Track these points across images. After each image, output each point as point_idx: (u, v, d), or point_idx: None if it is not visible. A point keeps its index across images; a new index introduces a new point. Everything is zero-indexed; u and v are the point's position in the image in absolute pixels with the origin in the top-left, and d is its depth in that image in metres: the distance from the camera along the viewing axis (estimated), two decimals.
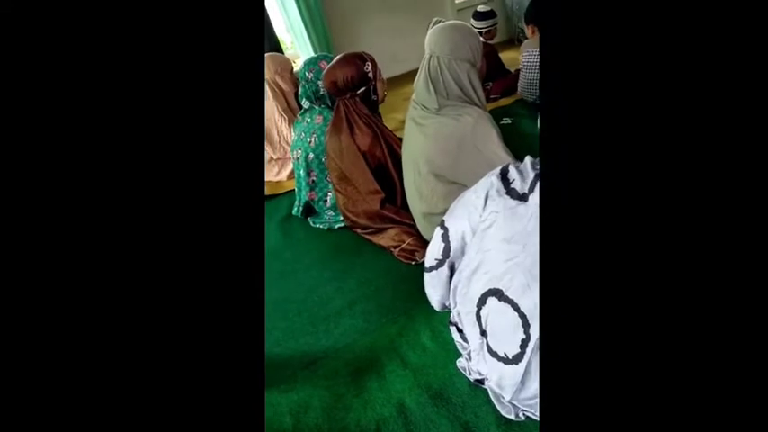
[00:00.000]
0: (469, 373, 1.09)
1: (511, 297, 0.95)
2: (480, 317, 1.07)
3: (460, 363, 1.13)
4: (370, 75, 1.63)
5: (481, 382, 1.07)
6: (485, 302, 1.04)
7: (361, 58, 1.61)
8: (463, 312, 1.14)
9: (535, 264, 0.89)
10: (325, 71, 1.65)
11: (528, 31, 2.47)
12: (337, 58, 1.64)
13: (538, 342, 0.92)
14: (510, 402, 1.01)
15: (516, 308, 0.94)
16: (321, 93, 1.82)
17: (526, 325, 0.93)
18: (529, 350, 0.93)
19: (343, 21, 3.55)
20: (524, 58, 2.46)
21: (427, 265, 1.14)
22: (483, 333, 1.08)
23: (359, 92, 1.63)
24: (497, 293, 0.99)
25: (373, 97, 1.68)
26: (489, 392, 1.04)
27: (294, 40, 3.73)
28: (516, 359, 0.98)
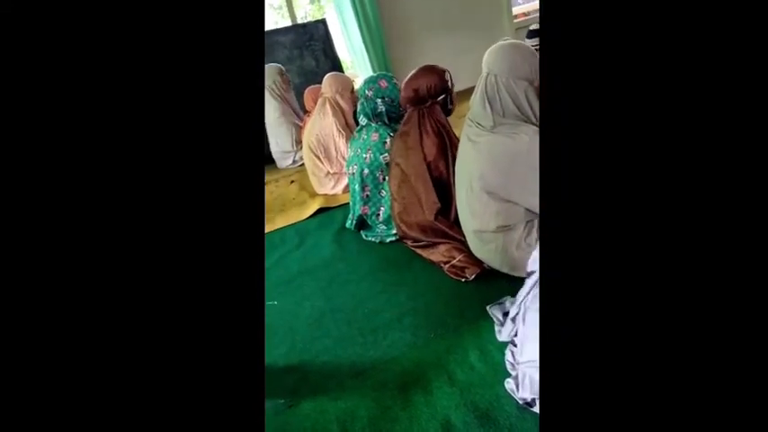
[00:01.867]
0: (518, 395, 1.07)
1: None
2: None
3: (509, 384, 1.11)
4: (450, 83, 1.73)
5: (530, 405, 1.04)
6: None
7: (440, 69, 1.72)
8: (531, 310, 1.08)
9: None
10: (405, 81, 1.73)
11: None
12: (417, 69, 1.73)
13: None
14: None
15: None
16: (379, 110, 1.89)
17: None
18: None
19: (402, 40, 3.63)
20: None
21: None
22: None
23: (439, 99, 1.71)
24: None
25: (450, 106, 1.76)
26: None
27: (354, 60, 3.86)
28: None
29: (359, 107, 1.97)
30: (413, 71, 1.74)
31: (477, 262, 1.53)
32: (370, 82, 1.91)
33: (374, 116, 1.91)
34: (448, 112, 1.77)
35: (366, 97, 1.91)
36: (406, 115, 1.77)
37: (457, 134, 1.67)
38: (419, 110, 1.71)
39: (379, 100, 1.87)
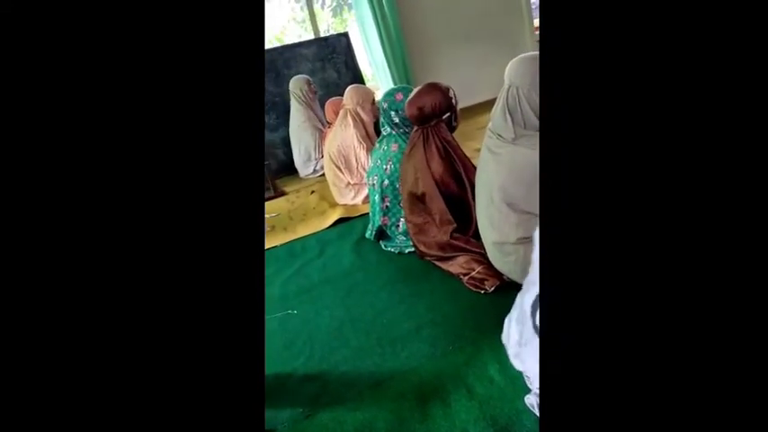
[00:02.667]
0: (538, 411, 1.05)
1: None
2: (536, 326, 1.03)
3: (529, 399, 1.09)
4: (454, 101, 1.72)
5: None
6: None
7: (444, 87, 1.71)
8: (527, 336, 1.10)
9: None
10: (409, 99, 1.74)
11: None
12: (420, 87, 1.74)
13: None
14: None
15: None
16: (395, 120, 1.91)
17: None
18: None
19: (423, 52, 3.66)
20: None
21: None
22: None
23: (444, 117, 1.71)
24: None
25: (454, 123, 1.76)
26: None
27: (375, 72, 3.91)
28: None
29: (381, 117, 2.00)
30: (416, 89, 1.74)
31: (497, 274, 1.52)
32: (387, 95, 1.93)
33: (393, 125, 1.93)
34: (452, 129, 1.76)
35: (383, 109, 1.94)
36: (410, 136, 1.78)
37: (477, 146, 1.67)
38: (423, 130, 1.71)
39: (392, 112, 1.90)
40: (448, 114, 1.72)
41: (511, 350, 1.19)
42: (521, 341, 1.14)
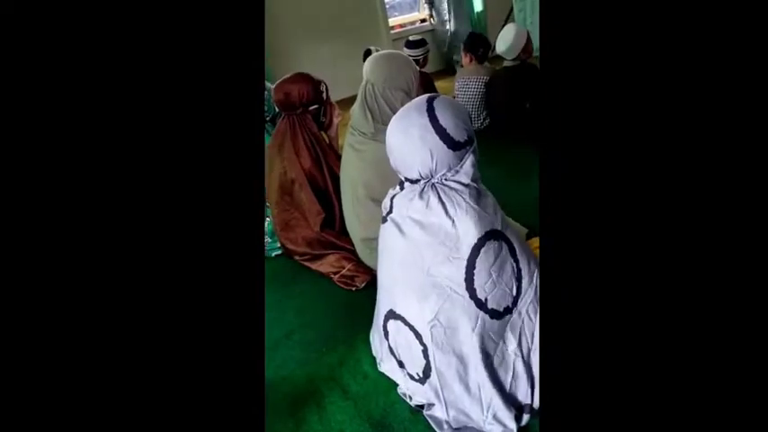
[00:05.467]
0: (410, 399, 1.09)
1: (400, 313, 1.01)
2: (392, 348, 1.08)
3: (401, 389, 1.12)
4: (324, 96, 1.68)
5: (422, 407, 1.06)
6: (387, 329, 1.06)
7: (316, 79, 1.67)
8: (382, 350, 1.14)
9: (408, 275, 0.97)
10: (276, 84, 1.67)
11: (464, 59, 2.59)
12: (291, 74, 1.67)
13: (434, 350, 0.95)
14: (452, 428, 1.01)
15: (405, 322, 1.00)
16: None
17: (418, 336, 0.97)
18: (432, 359, 0.97)
19: (282, 51, 3.55)
20: (459, 85, 2.58)
21: None
22: (401, 365, 1.09)
23: (311, 108, 1.66)
24: (393, 314, 1.02)
25: (322, 119, 1.72)
26: (429, 420, 1.04)
27: None
28: (426, 373, 0.99)
29: None
30: (287, 75, 1.69)
31: (367, 270, 1.54)
32: None
33: None
34: (320, 125, 1.73)
35: None
36: (277, 124, 1.72)
37: (341, 142, 1.66)
38: (290, 118, 1.66)
39: None
40: (316, 107, 1.68)
41: (377, 357, 1.22)
42: (382, 359, 1.18)
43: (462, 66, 2.68)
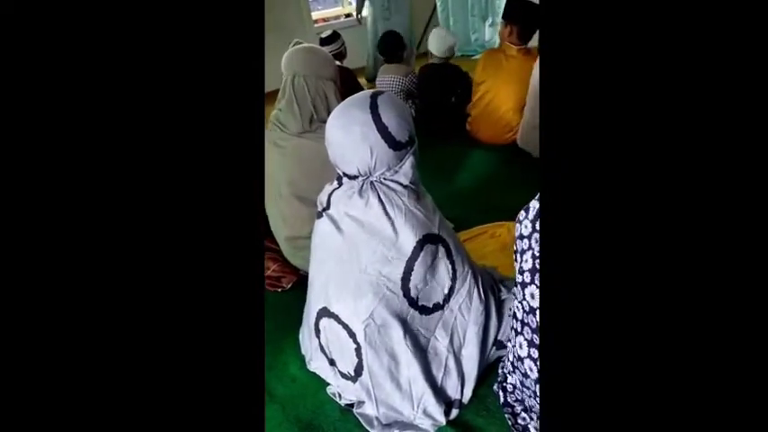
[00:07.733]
0: (340, 398, 1.08)
1: (334, 311, 1.00)
2: (323, 346, 1.07)
3: (331, 388, 1.11)
4: None
5: (352, 407, 1.06)
6: (319, 327, 1.05)
7: None
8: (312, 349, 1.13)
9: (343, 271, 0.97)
10: None
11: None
12: None
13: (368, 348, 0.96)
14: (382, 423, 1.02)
15: (339, 320, 1.00)
16: None
17: (352, 335, 0.97)
18: (365, 358, 0.97)
19: None
20: (378, 82, 2.62)
21: None
22: (332, 363, 1.08)
23: None
24: (326, 312, 1.02)
25: None
26: (359, 417, 1.04)
27: None
28: (358, 372, 1.00)
29: None
30: None
31: (294, 270, 1.50)
32: None
33: None
34: None
35: None
36: None
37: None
38: None
39: None
40: None
41: (306, 356, 1.20)
42: (311, 358, 1.16)
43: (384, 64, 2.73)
